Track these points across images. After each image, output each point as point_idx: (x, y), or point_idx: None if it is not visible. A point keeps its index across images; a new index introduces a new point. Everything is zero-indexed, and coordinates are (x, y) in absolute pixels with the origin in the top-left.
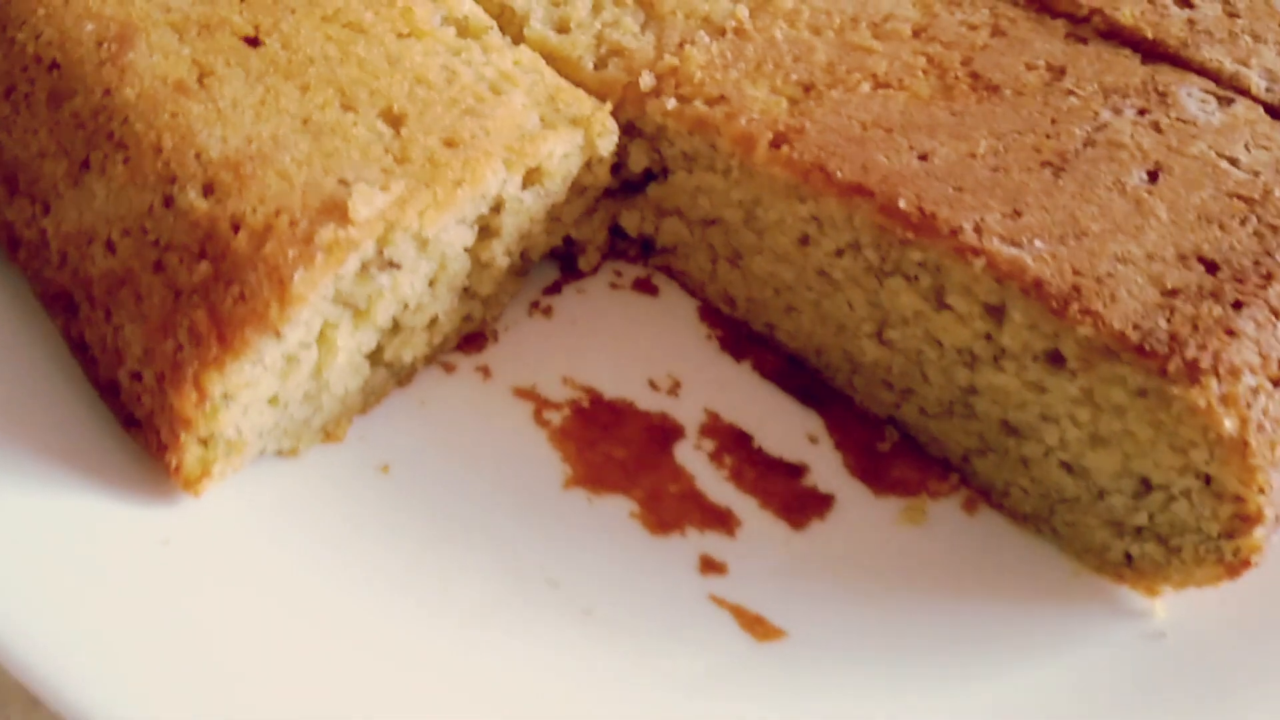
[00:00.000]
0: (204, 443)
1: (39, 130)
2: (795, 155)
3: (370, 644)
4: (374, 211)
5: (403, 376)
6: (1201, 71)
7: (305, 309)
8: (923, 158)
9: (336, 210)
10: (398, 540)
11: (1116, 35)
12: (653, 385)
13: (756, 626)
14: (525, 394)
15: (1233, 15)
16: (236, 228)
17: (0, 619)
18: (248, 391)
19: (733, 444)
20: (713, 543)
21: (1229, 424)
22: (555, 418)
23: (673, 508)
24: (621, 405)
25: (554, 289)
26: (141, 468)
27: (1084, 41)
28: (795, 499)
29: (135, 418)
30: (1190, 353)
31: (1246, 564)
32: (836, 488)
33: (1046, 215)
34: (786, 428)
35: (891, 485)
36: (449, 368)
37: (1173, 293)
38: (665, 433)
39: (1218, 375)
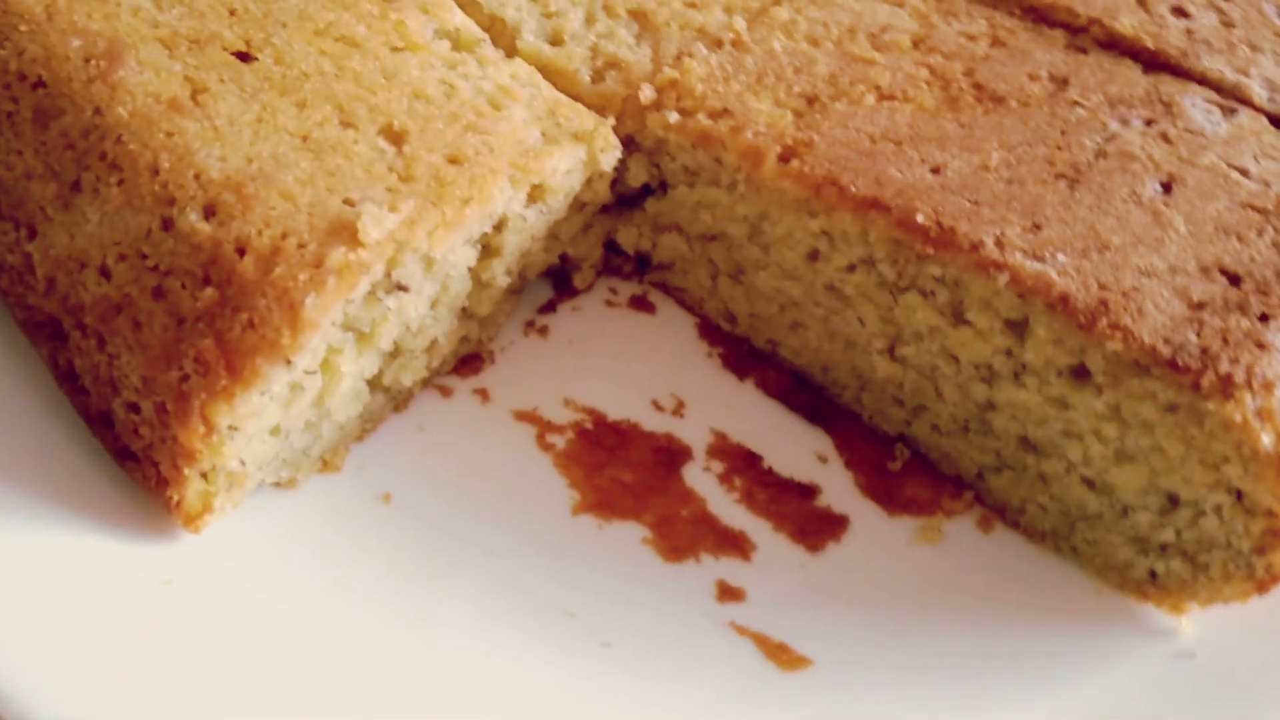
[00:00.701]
0: (205, 476)
1: (24, 151)
2: (806, 169)
3: (388, 683)
4: (384, 233)
5: (400, 401)
6: (1203, 81)
7: (317, 335)
8: (935, 170)
9: (345, 232)
10: (407, 573)
11: (1116, 45)
12: (656, 405)
13: (780, 655)
14: (526, 417)
15: (1228, 25)
16: (242, 251)
17: None
18: (253, 422)
19: (742, 465)
20: (728, 568)
21: (1266, 439)
22: (559, 441)
23: (686, 532)
24: (626, 427)
25: (549, 308)
26: (136, 504)
27: (1084, 51)
28: (809, 521)
29: (131, 451)
30: (1224, 367)
31: (1278, 579)
32: (849, 508)
33: (1066, 228)
34: (795, 447)
35: (905, 505)
36: (446, 391)
37: (1199, 306)
38: (673, 455)
39: (1252, 389)
